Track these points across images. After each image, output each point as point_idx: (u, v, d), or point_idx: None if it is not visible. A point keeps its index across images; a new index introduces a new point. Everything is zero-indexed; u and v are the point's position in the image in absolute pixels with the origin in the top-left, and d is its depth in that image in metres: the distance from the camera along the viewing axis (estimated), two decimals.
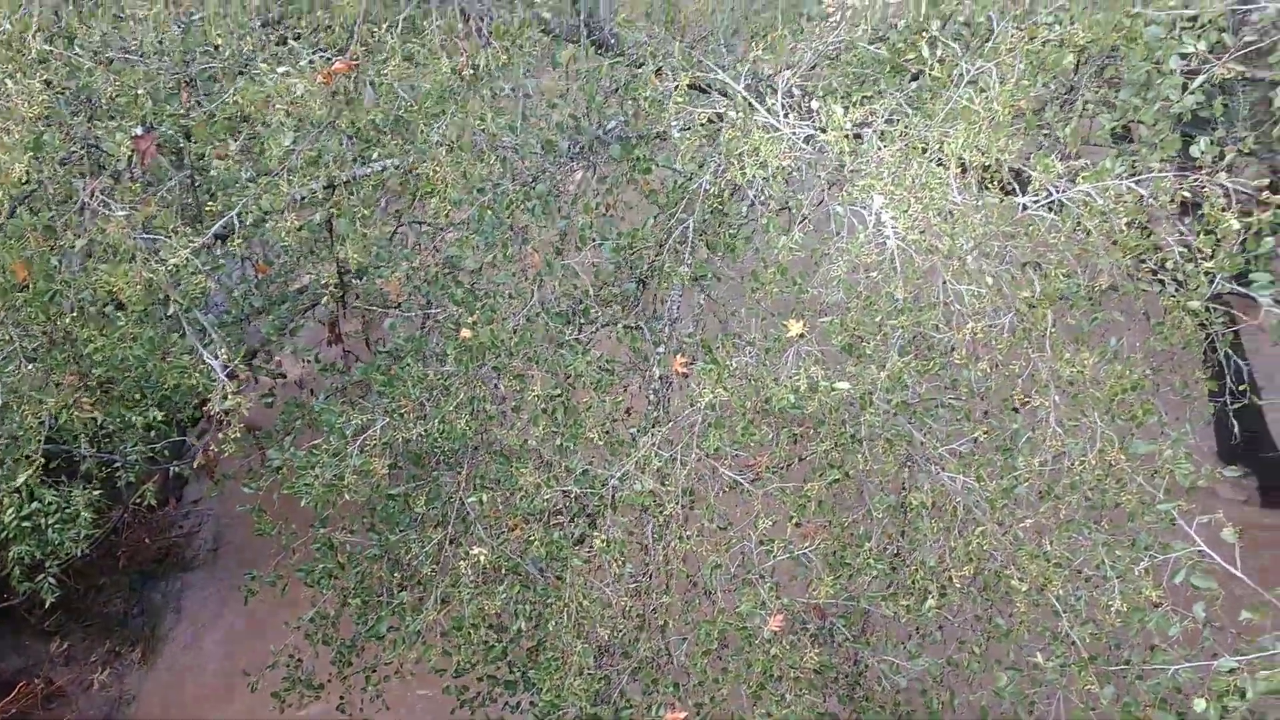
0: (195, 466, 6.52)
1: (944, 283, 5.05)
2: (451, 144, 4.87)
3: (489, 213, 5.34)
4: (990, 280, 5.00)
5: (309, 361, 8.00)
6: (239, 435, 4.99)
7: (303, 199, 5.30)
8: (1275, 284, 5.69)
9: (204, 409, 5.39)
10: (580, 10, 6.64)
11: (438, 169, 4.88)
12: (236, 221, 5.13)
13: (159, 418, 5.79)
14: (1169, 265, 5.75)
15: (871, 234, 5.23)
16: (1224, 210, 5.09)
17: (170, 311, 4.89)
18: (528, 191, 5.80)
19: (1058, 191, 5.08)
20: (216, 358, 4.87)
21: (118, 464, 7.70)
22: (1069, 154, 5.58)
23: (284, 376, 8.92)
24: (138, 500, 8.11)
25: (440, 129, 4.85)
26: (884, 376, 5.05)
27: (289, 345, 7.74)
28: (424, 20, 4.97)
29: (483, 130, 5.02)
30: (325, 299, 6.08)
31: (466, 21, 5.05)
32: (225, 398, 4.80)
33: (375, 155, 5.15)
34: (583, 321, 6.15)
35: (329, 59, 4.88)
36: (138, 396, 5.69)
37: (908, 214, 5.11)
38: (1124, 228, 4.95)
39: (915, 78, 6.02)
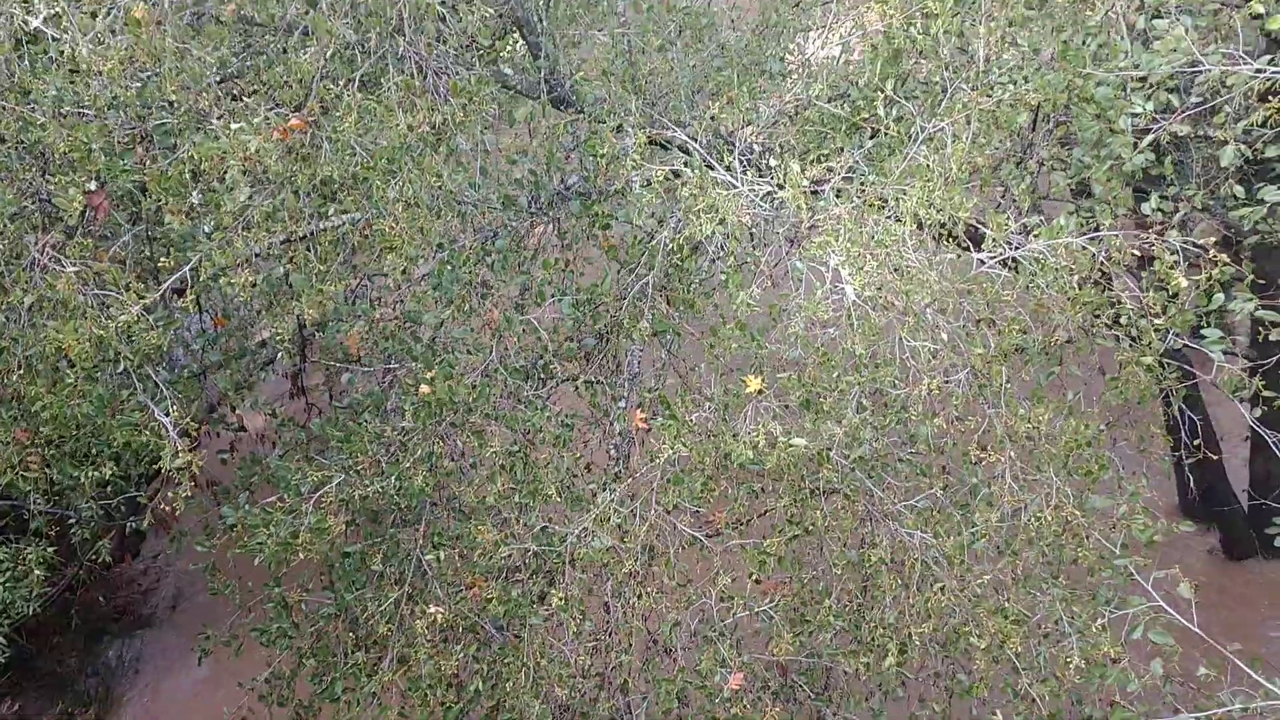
0: (150, 524, 6.39)
1: (900, 339, 5.07)
2: (409, 201, 4.86)
3: (448, 268, 5.33)
4: (945, 336, 5.03)
5: (269, 415, 7.93)
6: (190, 495, 4.91)
7: (258, 254, 5.27)
8: (1225, 339, 5.78)
9: (157, 466, 5.31)
10: (540, 67, 6.68)
11: (394, 226, 4.87)
12: (191, 277, 5.09)
13: (113, 473, 5.70)
14: (1123, 321, 5.81)
15: (829, 290, 5.26)
16: (1174, 267, 5.15)
17: (121, 368, 4.82)
18: (487, 247, 5.80)
19: (1012, 248, 5.13)
20: (168, 415, 4.80)
21: (71, 520, 7.57)
22: (1023, 210, 5.64)
23: (244, 430, 8.83)
24: (92, 557, 7.95)
25: (397, 186, 4.84)
26: (841, 433, 5.04)
27: (248, 399, 7.66)
28: (382, 77, 4.98)
29: (440, 187, 5.02)
30: (281, 355, 6.02)
31: (425, 79, 5.07)
32: (176, 456, 4.73)
33: (332, 211, 5.13)
34: (543, 377, 6.13)
35: (286, 115, 4.87)
36: (88, 454, 5.59)
37: (864, 271, 5.14)
38: (1077, 285, 4.99)
39: (873, 135, 6.08)
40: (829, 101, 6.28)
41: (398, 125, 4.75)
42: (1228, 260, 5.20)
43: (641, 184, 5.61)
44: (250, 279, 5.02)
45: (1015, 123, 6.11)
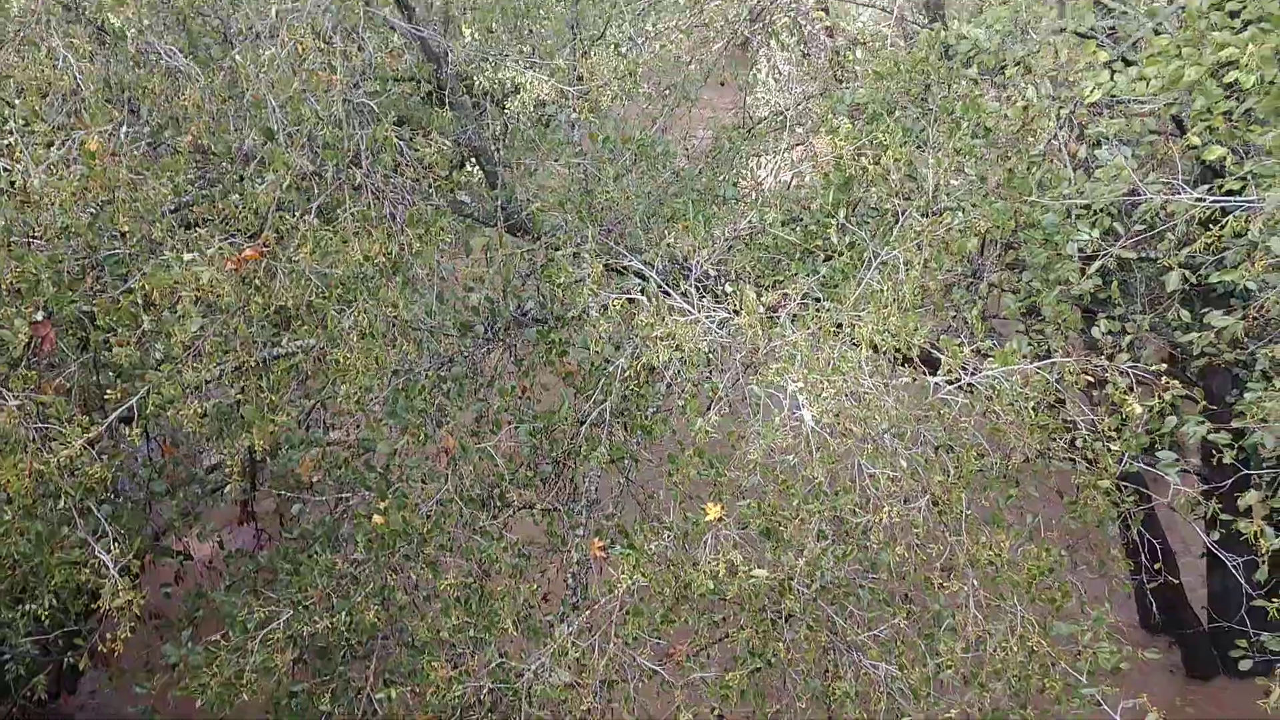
0: (88, 662, 6.12)
1: (859, 465, 5.05)
2: (364, 330, 4.82)
3: (402, 395, 5.27)
4: (904, 463, 5.02)
5: (217, 545, 7.71)
6: (128, 635, 4.72)
7: (208, 381, 5.18)
8: (1179, 461, 5.82)
9: (97, 604, 5.12)
10: (497, 195, 6.73)
11: (349, 355, 4.81)
12: (138, 407, 4.98)
13: (51, 607, 5.48)
14: (1079, 444, 5.84)
15: (786, 417, 5.25)
16: (1127, 392, 5.20)
17: (63, 504, 4.67)
18: (443, 374, 5.75)
19: (968, 373, 5.16)
20: (109, 552, 4.64)
21: (6, 656, 7.25)
22: (977, 335, 5.70)
23: (190, 559, 8.57)
24: (28, 694, 7.61)
25: (352, 315, 4.81)
26: (802, 563, 4.97)
27: (195, 527, 7.45)
28: (339, 207, 4.98)
29: (396, 316, 4.99)
30: (229, 485, 5.88)
31: (381, 208, 5.07)
32: (116, 595, 4.55)
33: (285, 340, 5.07)
34: (499, 505, 6.03)
35: (240, 245, 4.84)
36: (25, 589, 5.38)
37: (821, 398, 5.14)
38: (1032, 409, 5.01)
39: (828, 258, 6.16)
40: (782, 227, 6.37)
41: (353, 254, 4.73)
42: (1179, 384, 5.26)
43: (598, 311, 5.61)
44: (199, 410, 4.92)
45: (965, 248, 6.22)
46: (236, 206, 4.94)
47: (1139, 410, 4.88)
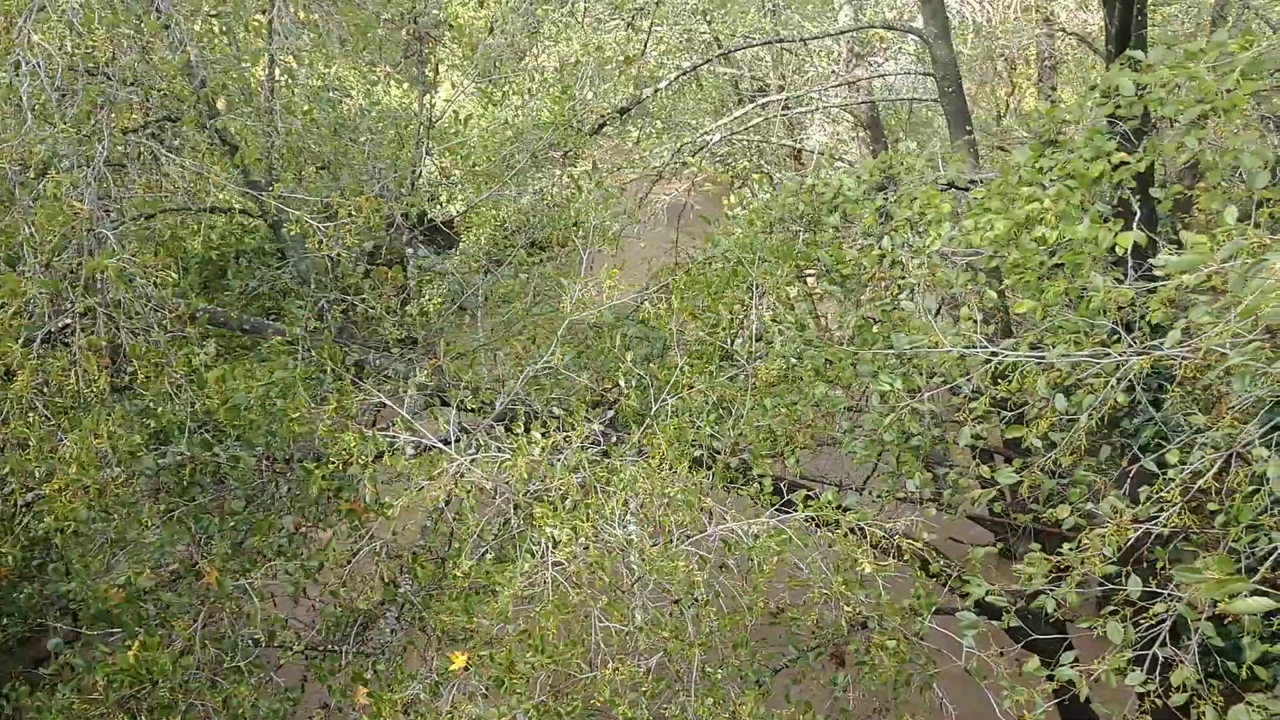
0: None
1: (595, 618, 4.88)
2: (78, 459, 4.71)
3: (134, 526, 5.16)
4: (639, 616, 4.85)
5: None
6: None
7: None
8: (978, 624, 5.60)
9: None
10: (323, 324, 6.73)
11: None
12: None
13: None
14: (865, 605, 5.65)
15: (537, 563, 5.12)
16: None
17: None
18: (208, 506, 5.65)
19: (711, 525, 5.03)
20: None
21: None
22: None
23: None
24: None
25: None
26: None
27: None
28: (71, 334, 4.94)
29: (112, 447, 4.90)
30: None
31: (113, 334, 5.04)
32: None
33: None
34: (273, 646, 5.85)
35: None
36: None
37: (574, 543, 5.03)
38: (761, 567, 4.86)
39: (612, 405, 6.10)
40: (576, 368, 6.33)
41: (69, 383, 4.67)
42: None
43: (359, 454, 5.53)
44: None
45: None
46: None
47: (867, 568, 4.70)
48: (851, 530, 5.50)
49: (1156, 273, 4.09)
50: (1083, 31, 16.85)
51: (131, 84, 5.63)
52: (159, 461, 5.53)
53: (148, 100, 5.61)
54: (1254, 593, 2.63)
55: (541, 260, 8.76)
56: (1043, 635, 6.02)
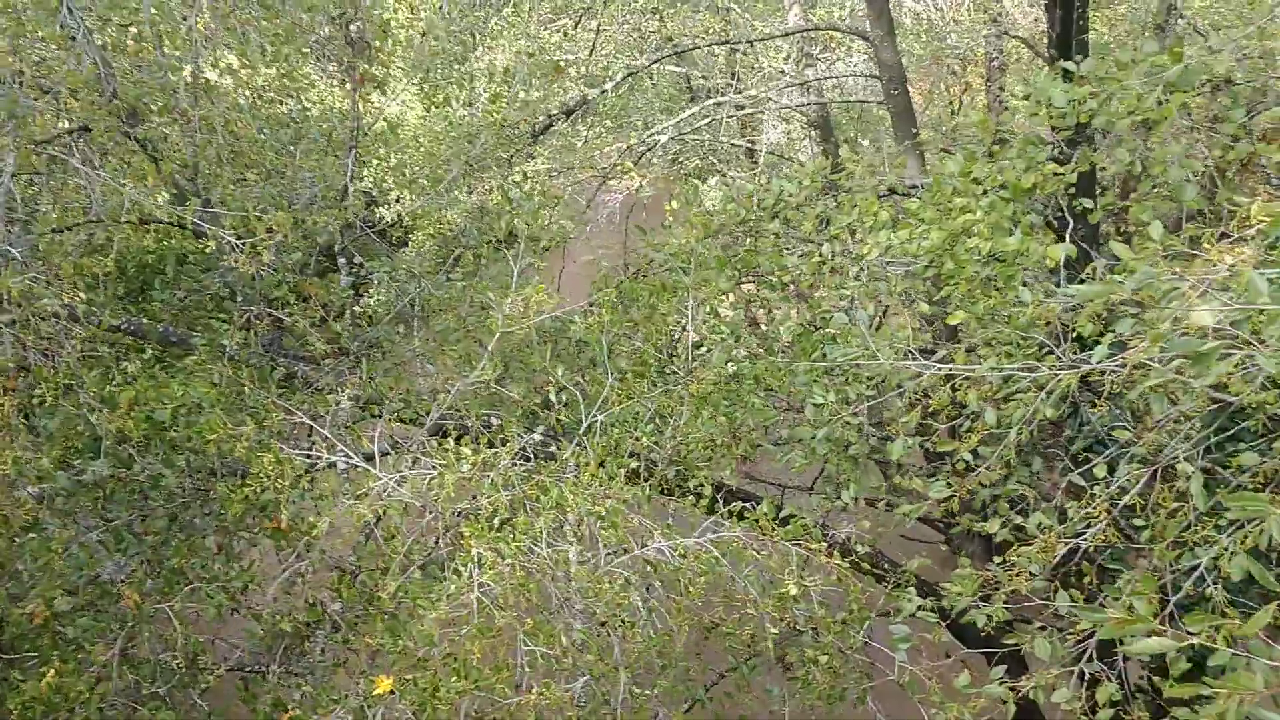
0: None
1: (521, 640, 4.80)
2: None
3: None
4: (565, 640, 4.78)
5: None
6: None
7: None
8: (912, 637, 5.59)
9: None
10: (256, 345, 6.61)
11: None
12: None
13: None
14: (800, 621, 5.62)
15: (463, 584, 5.03)
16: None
17: None
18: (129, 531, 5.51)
19: (640, 547, 4.97)
20: None
21: None
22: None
23: None
24: None
25: None
26: None
27: None
28: None
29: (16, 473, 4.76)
30: None
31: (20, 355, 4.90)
32: None
33: None
34: (196, 670, 5.72)
35: None
36: None
37: (495, 567, 4.94)
38: (689, 587, 4.80)
39: (544, 421, 6.02)
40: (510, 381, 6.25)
41: None
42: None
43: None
44: None
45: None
46: None
47: (794, 591, 4.65)
48: (792, 540, 5.48)
49: (1076, 294, 4.06)
50: (1031, 29, 16.92)
51: (46, 92, 5.49)
52: (76, 479, 5.39)
53: (62, 110, 5.46)
54: (1152, 632, 2.60)
55: (484, 265, 8.66)
56: (976, 649, 6.00)
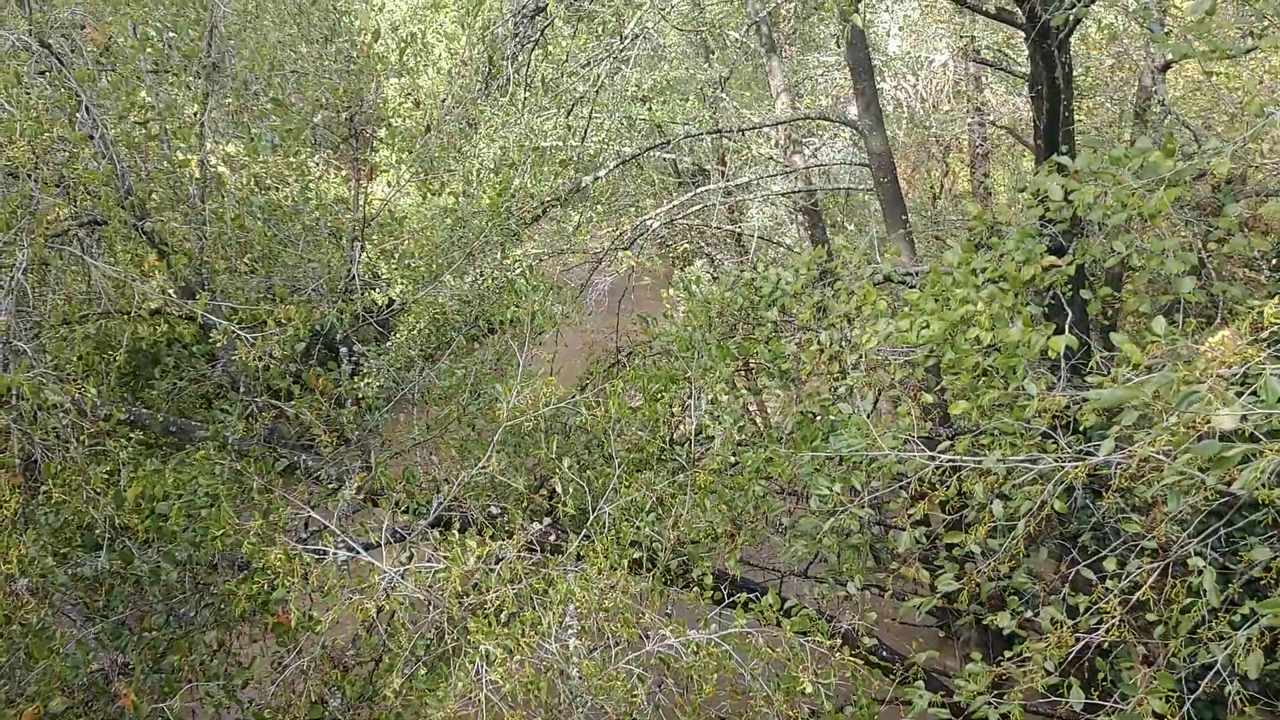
0: None
1: None
2: None
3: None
4: None
5: None
6: None
7: None
8: None
9: None
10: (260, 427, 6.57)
11: None
12: None
13: None
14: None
15: (471, 681, 4.96)
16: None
17: None
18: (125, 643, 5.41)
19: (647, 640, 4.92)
20: None
21: None
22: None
23: None
24: None
25: None
26: None
27: None
28: None
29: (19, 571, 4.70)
30: None
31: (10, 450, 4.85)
32: None
33: None
34: None
35: None
36: None
37: (504, 664, 4.88)
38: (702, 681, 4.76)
39: (549, 513, 5.99)
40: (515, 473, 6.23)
41: None
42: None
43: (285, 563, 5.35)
44: None
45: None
46: None
47: (808, 689, 4.60)
48: (799, 633, 5.44)
49: (1089, 399, 4.09)
50: (1013, 117, 17.28)
51: (58, 186, 5.51)
52: (73, 575, 5.31)
53: (74, 204, 5.48)
54: None
55: (480, 345, 8.67)
56: None
